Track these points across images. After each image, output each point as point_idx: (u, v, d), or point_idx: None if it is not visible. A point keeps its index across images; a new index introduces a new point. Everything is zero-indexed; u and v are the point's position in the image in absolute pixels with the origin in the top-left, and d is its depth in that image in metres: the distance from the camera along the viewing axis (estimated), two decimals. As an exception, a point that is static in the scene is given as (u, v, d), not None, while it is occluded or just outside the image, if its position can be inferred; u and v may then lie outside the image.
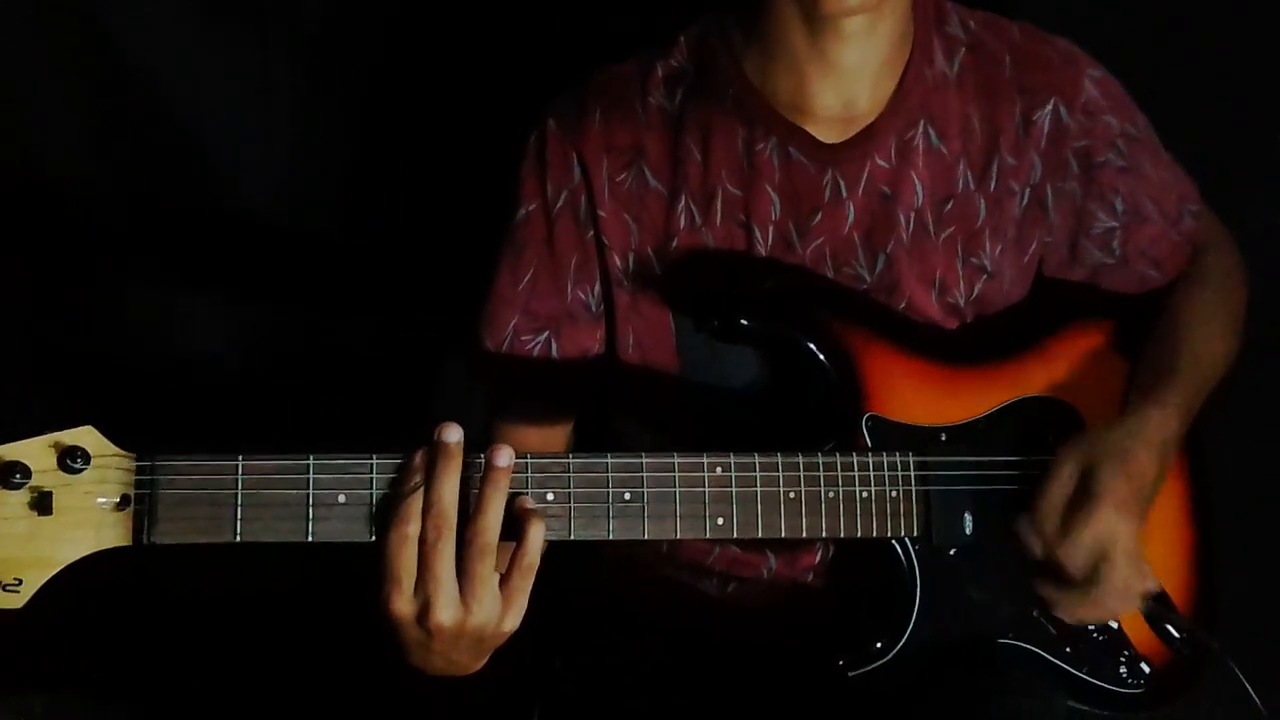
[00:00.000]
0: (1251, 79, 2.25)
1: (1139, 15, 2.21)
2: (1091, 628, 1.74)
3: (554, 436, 1.86)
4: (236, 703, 2.27)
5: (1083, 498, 1.62)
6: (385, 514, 1.42)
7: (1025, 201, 1.81)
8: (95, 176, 2.20)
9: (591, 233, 1.76)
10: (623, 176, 1.76)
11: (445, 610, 1.40)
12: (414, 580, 1.40)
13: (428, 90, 2.24)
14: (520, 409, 1.83)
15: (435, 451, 1.41)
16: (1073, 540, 1.60)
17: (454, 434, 1.42)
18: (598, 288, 1.78)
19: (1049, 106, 1.79)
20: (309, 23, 2.20)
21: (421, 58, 2.23)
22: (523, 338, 1.79)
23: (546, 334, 1.78)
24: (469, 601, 1.41)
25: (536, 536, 1.44)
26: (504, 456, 1.43)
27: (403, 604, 1.40)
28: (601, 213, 1.75)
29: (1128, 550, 1.61)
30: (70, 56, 2.15)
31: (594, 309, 1.79)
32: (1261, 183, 2.27)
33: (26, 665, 2.16)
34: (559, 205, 1.76)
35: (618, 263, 1.76)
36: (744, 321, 1.68)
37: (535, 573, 1.45)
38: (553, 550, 1.50)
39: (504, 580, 1.43)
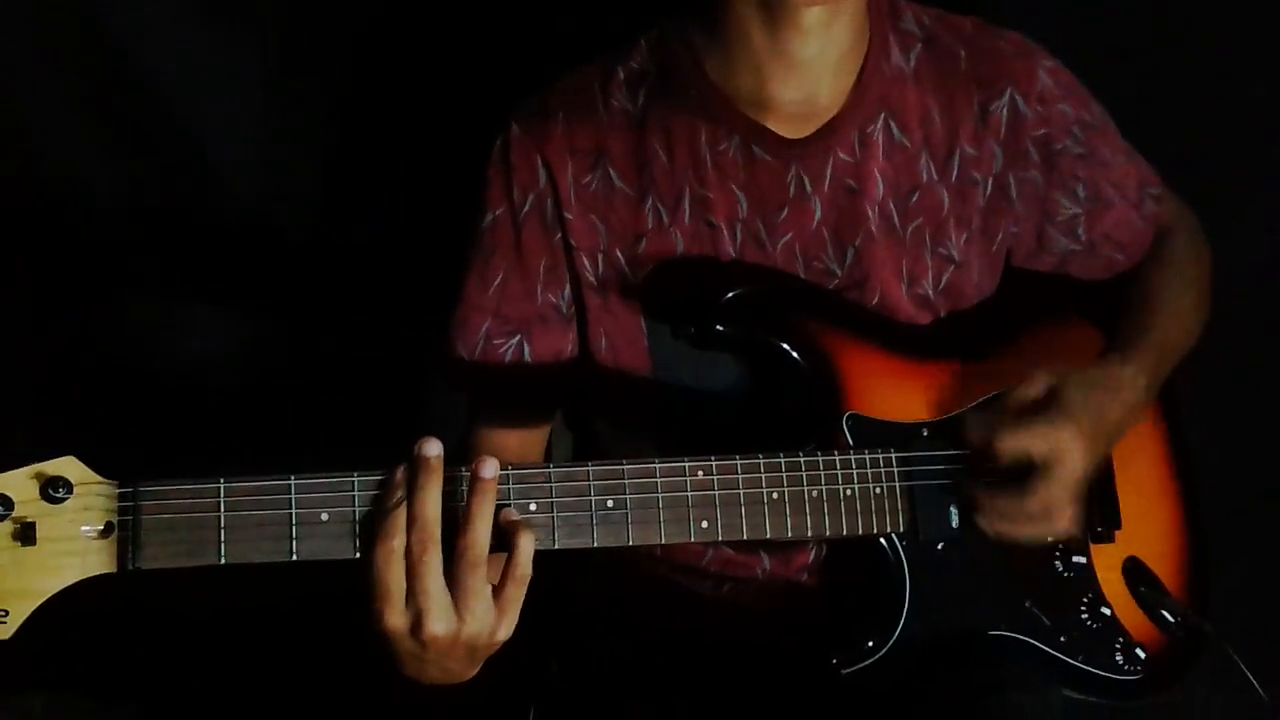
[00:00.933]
0: (1251, 79, 2.25)
1: (1139, 15, 2.21)
2: (1085, 615, 1.75)
3: (532, 439, 1.88)
4: (236, 698, 2.28)
5: (1046, 408, 1.63)
6: (369, 530, 1.43)
7: (989, 191, 1.82)
8: (90, 184, 2.21)
9: (559, 235, 1.77)
10: (588, 179, 1.77)
11: (439, 622, 1.41)
12: (404, 595, 1.41)
13: (424, 94, 2.25)
14: (497, 413, 1.85)
15: (416, 466, 1.42)
16: (1021, 427, 1.61)
17: (434, 448, 1.43)
18: (568, 290, 1.79)
19: (1005, 97, 1.80)
20: (305, 27, 2.20)
21: (417, 62, 2.23)
22: (494, 341, 1.80)
23: (518, 337, 1.80)
24: (462, 613, 1.42)
25: (527, 547, 1.46)
26: (489, 468, 1.44)
27: (395, 618, 1.42)
28: (568, 215, 1.76)
29: (1068, 474, 1.61)
30: (66, 59, 2.16)
31: (565, 311, 1.80)
32: (1261, 183, 2.26)
33: (26, 665, 2.17)
34: (525, 209, 1.77)
35: (587, 265, 1.77)
36: (719, 327, 1.69)
37: (528, 582, 1.46)
38: (547, 553, 1.51)
39: (498, 592, 1.45)
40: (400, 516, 1.41)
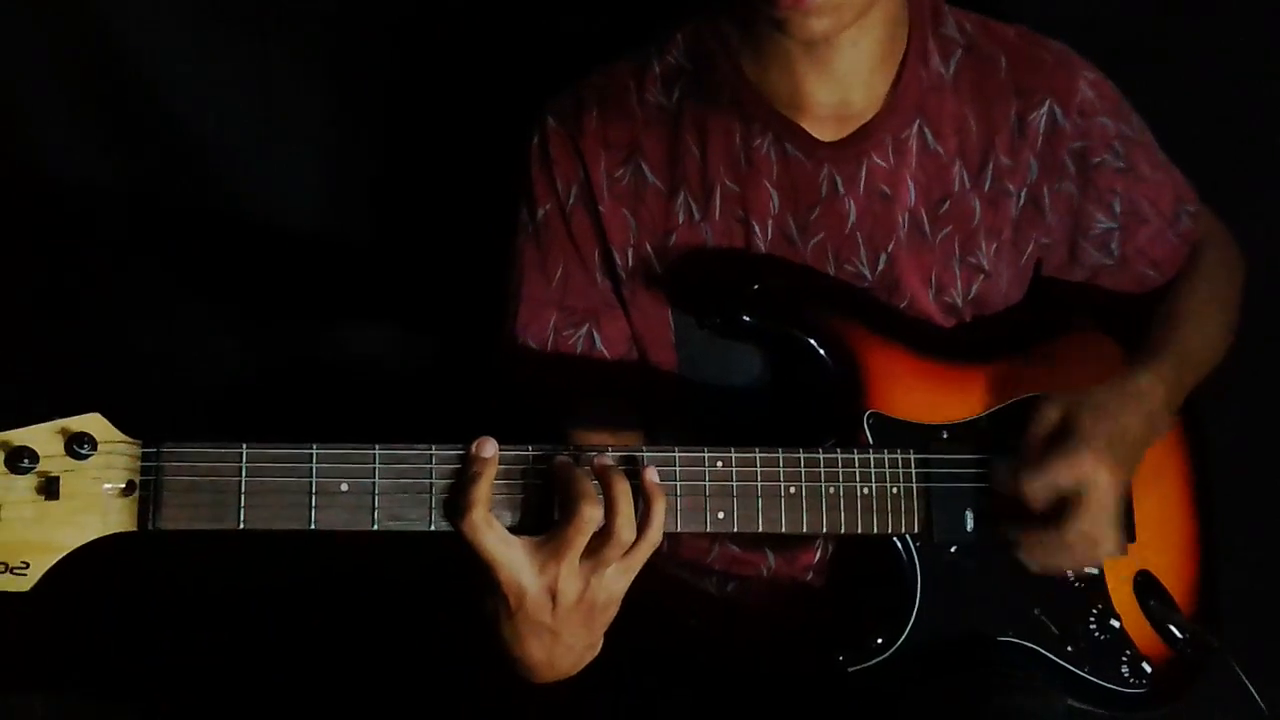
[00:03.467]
0: (1252, 79, 2.25)
1: (1140, 14, 2.22)
2: (1093, 627, 1.75)
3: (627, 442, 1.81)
4: (238, 699, 2.27)
5: (1063, 440, 1.63)
6: (452, 508, 1.46)
7: (1021, 203, 1.81)
8: (105, 174, 2.20)
9: (599, 227, 1.78)
10: (620, 173, 1.77)
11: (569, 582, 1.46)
12: (514, 556, 1.44)
13: (430, 93, 2.24)
14: (581, 413, 1.80)
15: (473, 464, 1.46)
16: (1042, 471, 1.61)
17: (489, 449, 1.47)
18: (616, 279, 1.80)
19: (1044, 108, 1.80)
20: (315, 23, 2.20)
21: (426, 61, 2.23)
22: (564, 333, 1.79)
23: (587, 326, 1.79)
24: (589, 577, 1.46)
25: (660, 514, 1.49)
26: (608, 457, 1.50)
27: (519, 575, 1.44)
28: (601, 209, 1.77)
29: (1100, 498, 1.61)
30: (75, 55, 2.15)
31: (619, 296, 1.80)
32: (1261, 183, 2.27)
33: (26, 665, 2.16)
34: (571, 201, 1.78)
35: (617, 259, 1.77)
36: (746, 318, 1.69)
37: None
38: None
39: (627, 555, 1.48)
40: (477, 488, 1.44)
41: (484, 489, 1.44)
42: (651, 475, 1.50)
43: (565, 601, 1.46)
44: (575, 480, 1.46)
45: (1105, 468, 1.61)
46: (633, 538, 1.47)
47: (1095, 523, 1.62)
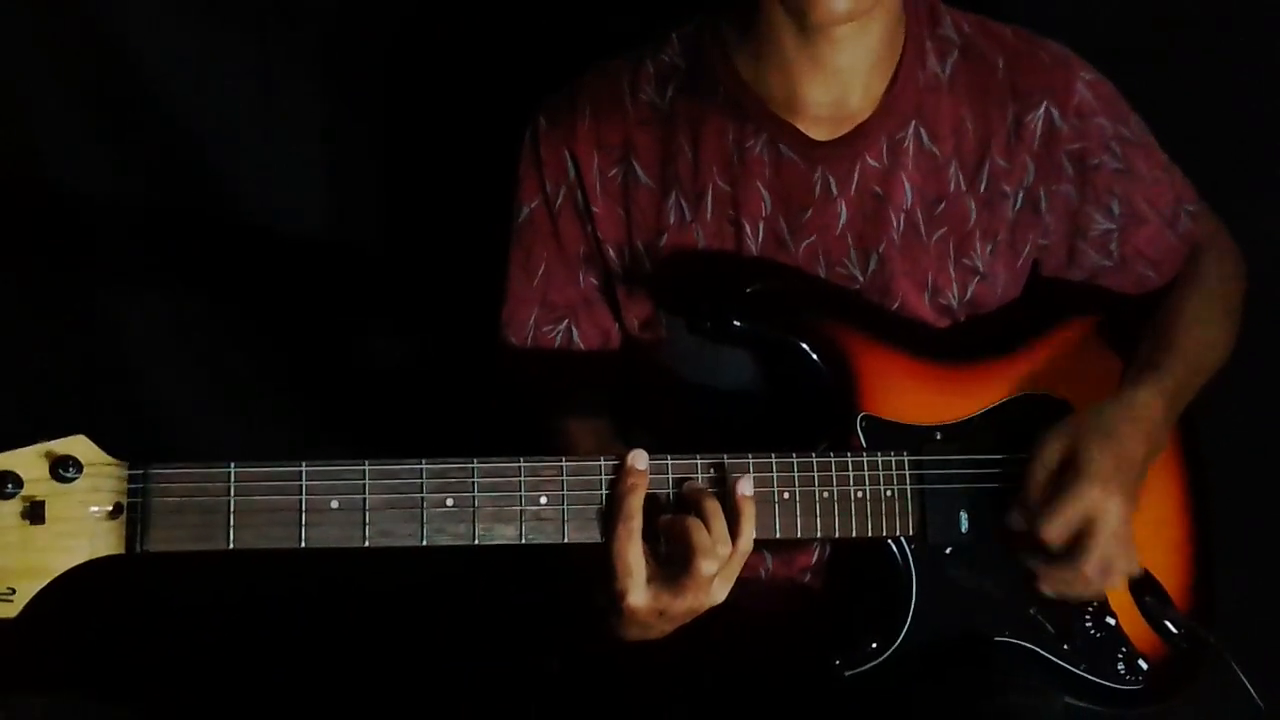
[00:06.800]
0: (1251, 79, 2.24)
1: (1139, 14, 2.20)
2: (1089, 624, 1.74)
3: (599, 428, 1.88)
4: (238, 699, 2.28)
5: (1068, 473, 1.63)
6: (608, 518, 1.52)
7: (1019, 204, 1.81)
8: (105, 175, 2.20)
9: (590, 227, 1.80)
10: (614, 172, 1.78)
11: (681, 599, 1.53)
12: (644, 573, 1.50)
13: (430, 93, 2.24)
14: (568, 402, 1.86)
15: (629, 476, 1.52)
16: (1055, 512, 1.62)
17: (644, 461, 1.53)
18: (605, 276, 1.82)
19: (1041, 109, 1.79)
20: (315, 22, 2.20)
21: (426, 61, 2.23)
22: (543, 329, 1.83)
23: (566, 322, 1.83)
24: (699, 593, 1.52)
25: (749, 529, 1.54)
26: (746, 485, 1.56)
27: (637, 596, 1.51)
28: (595, 209, 1.78)
29: (1112, 526, 1.62)
30: (75, 55, 2.15)
31: (606, 291, 1.83)
32: (1261, 183, 2.25)
33: (26, 665, 2.17)
34: (559, 201, 1.79)
35: (613, 256, 1.79)
36: (736, 323, 1.69)
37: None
38: (549, 550, 1.53)
39: (724, 567, 1.53)
40: (637, 499, 1.51)
41: (640, 502, 1.51)
42: (743, 488, 1.55)
43: (670, 617, 1.54)
44: (694, 534, 1.51)
45: (1115, 497, 1.62)
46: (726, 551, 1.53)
47: (1109, 552, 1.63)
